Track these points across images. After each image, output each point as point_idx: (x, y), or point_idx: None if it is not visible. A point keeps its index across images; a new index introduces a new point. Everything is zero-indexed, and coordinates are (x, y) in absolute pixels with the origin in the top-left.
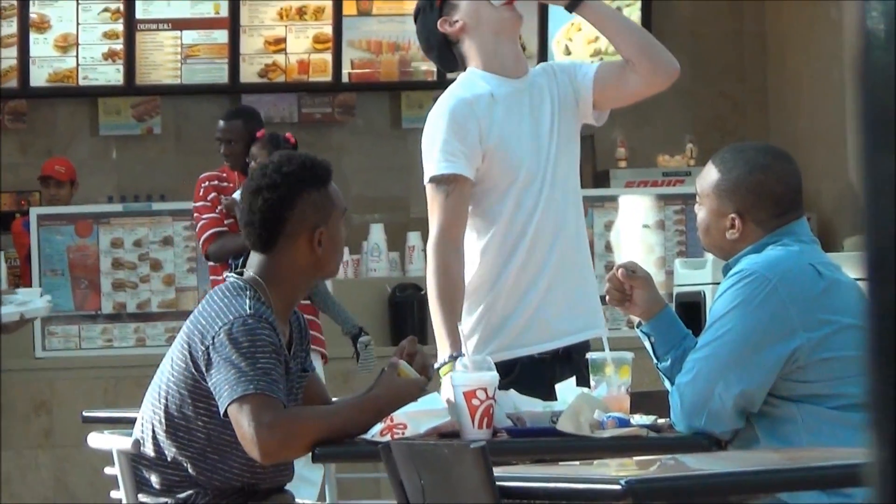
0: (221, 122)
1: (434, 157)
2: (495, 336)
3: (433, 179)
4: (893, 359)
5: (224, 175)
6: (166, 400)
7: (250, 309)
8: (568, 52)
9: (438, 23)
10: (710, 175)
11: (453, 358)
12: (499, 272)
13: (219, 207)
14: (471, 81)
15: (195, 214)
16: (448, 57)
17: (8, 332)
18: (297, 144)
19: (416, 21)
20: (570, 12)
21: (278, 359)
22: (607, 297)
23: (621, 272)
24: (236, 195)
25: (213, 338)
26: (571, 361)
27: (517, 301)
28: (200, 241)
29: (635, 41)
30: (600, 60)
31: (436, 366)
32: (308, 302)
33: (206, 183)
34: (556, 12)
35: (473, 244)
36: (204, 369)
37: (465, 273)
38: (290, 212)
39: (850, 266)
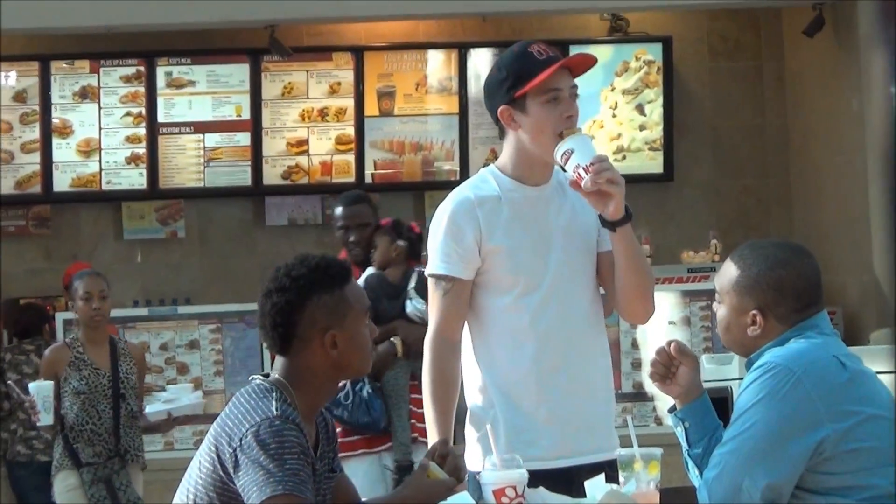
0: (342, 209)
1: (432, 256)
2: (497, 446)
3: (431, 276)
4: None
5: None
6: (194, 502)
7: (277, 410)
8: None
9: (501, 110)
10: (729, 272)
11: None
12: (504, 379)
13: None
14: (483, 181)
15: None
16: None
17: (158, 432)
18: (421, 234)
19: (487, 78)
20: (613, 229)
21: (306, 460)
22: (650, 372)
23: (674, 346)
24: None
25: (241, 440)
26: (572, 484)
27: (524, 413)
28: None
29: (640, 283)
30: (623, 157)
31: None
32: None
33: None
34: (579, 110)
35: (477, 342)
36: (232, 471)
37: (471, 371)
38: (299, 315)
39: (875, 359)
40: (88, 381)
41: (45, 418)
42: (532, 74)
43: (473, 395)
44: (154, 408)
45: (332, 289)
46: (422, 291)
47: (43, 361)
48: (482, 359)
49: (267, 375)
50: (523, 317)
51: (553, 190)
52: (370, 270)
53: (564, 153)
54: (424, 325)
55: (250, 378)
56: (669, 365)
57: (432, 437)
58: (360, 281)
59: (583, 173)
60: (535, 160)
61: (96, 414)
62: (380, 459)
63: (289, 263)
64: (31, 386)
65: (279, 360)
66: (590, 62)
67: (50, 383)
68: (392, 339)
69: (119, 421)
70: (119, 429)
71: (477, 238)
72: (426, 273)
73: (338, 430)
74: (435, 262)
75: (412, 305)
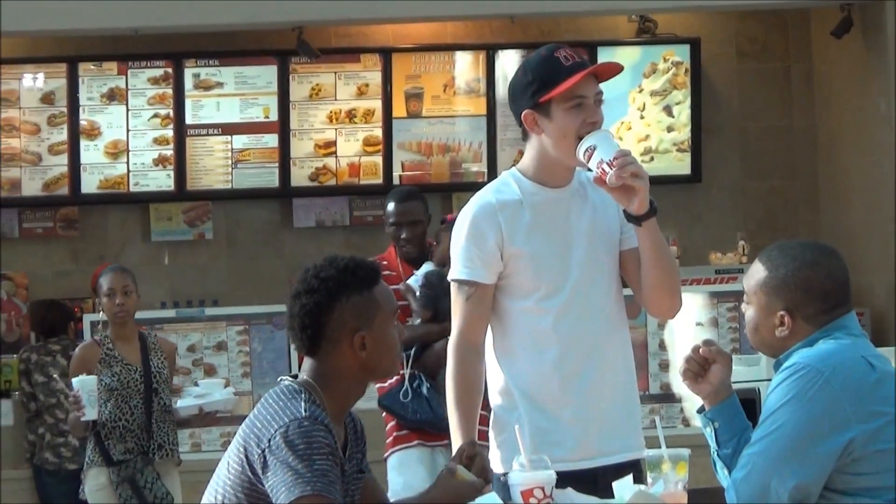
0: (394, 205)
1: (455, 261)
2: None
3: (454, 281)
4: None
5: (386, 263)
6: (223, 502)
7: (306, 412)
8: None
9: (525, 114)
10: (757, 273)
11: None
12: (527, 381)
13: None
14: (505, 184)
15: None
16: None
17: (189, 427)
18: None
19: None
20: (639, 223)
21: (334, 460)
22: (683, 370)
23: (708, 347)
24: (412, 280)
25: (270, 440)
26: (596, 485)
27: (547, 415)
28: None
29: (666, 279)
30: (651, 159)
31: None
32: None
33: None
34: (607, 110)
35: (500, 344)
36: (260, 472)
37: (494, 374)
38: (328, 317)
39: None
40: (120, 377)
41: (91, 413)
42: (558, 80)
43: (497, 398)
44: (186, 402)
45: (361, 290)
46: None
47: (73, 360)
48: (504, 362)
49: (295, 377)
50: (546, 320)
51: (574, 192)
52: (428, 267)
53: (587, 150)
54: None
55: (279, 379)
56: (704, 363)
57: (456, 441)
58: (419, 277)
59: (607, 168)
60: (558, 164)
61: (129, 410)
62: (432, 454)
63: (317, 265)
64: (75, 381)
65: (308, 362)
66: (616, 70)
67: (94, 378)
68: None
69: (151, 416)
70: (151, 424)
71: (499, 242)
72: (448, 278)
73: (391, 423)
74: (457, 266)
75: None
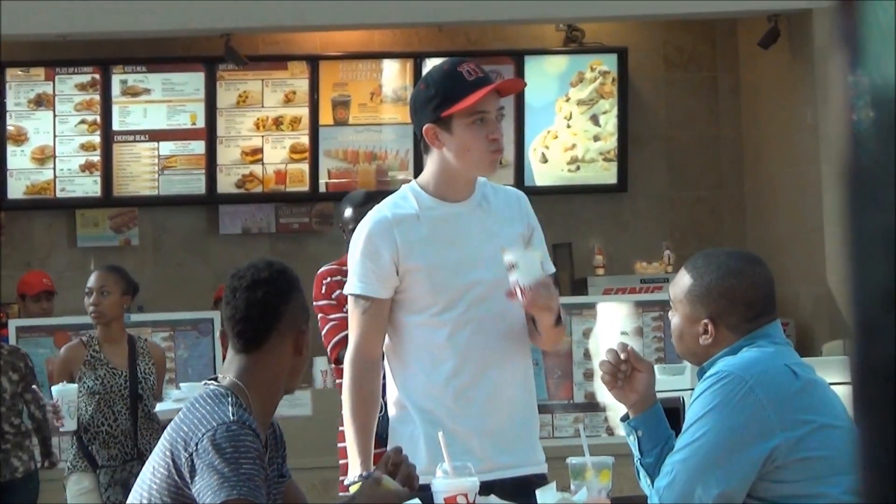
0: (352, 210)
1: (351, 275)
2: (415, 458)
3: (351, 295)
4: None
5: (345, 269)
6: None
7: (234, 416)
8: (545, 160)
9: (426, 128)
10: (682, 281)
11: (363, 477)
12: (422, 395)
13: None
14: (403, 198)
15: (319, 315)
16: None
17: None
18: None
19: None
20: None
21: (261, 465)
22: (601, 374)
23: (630, 352)
24: None
25: (197, 444)
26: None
27: (442, 428)
28: (329, 346)
29: (549, 347)
30: (577, 168)
31: (346, 483)
32: None
33: (328, 279)
34: (533, 119)
35: (396, 358)
36: (188, 476)
37: (390, 387)
38: (285, 307)
39: (827, 370)
40: (104, 381)
41: (70, 423)
42: (460, 96)
43: (392, 409)
44: (166, 406)
45: (301, 292)
46: None
47: (58, 360)
48: (399, 375)
49: (216, 379)
50: (441, 333)
51: (475, 205)
52: None
53: (508, 263)
54: None
55: (204, 383)
56: (619, 364)
57: (353, 456)
58: None
59: (520, 293)
60: (458, 178)
61: (112, 415)
62: None
63: (259, 262)
64: (55, 389)
65: (237, 360)
66: (519, 87)
67: (74, 387)
68: None
69: (137, 422)
70: (137, 431)
71: (394, 258)
72: (345, 291)
73: None
74: (353, 281)
75: None
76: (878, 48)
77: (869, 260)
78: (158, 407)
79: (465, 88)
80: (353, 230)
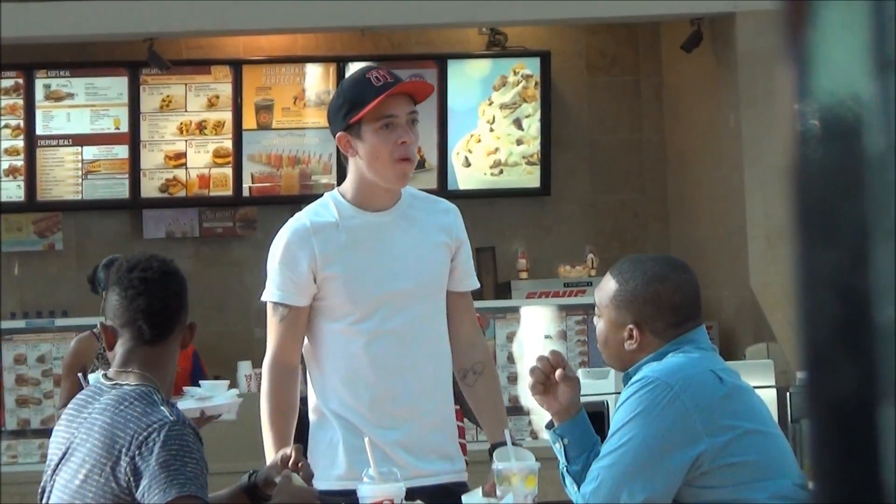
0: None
1: (269, 282)
2: (334, 463)
3: (269, 302)
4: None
5: None
6: None
7: (171, 415)
8: (468, 164)
9: (339, 136)
10: (607, 286)
11: (250, 474)
12: (340, 402)
13: None
14: (323, 206)
15: None
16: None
17: None
18: None
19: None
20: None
21: (204, 464)
22: (530, 384)
23: (559, 373)
24: None
25: (140, 446)
26: None
27: (360, 435)
28: None
29: None
30: (501, 172)
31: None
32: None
33: None
34: (456, 123)
35: (314, 365)
36: (132, 480)
37: (310, 393)
38: (186, 301)
39: (751, 374)
40: None
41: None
42: (366, 101)
43: (312, 415)
44: (187, 404)
45: None
46: None
47: (69, 352)
48: (318, 382)
49: (107, 376)
50: (358, 342)
51: (398, 215)
52: None
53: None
54: None
55: (102, 375)
56: (550, 372)
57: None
58: None
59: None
60: (376, 186)
61: None
62: None
63: (153, 255)
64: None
65: (141, 352)
66: (427, 90)
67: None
68: None
69: None
70: None
71: (312, 266)
72: (262, 298)
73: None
74: (271, 289)
75: None
76: (828, 53)
77: (818, 295)
78: (180, 404)
79: (371, 93)
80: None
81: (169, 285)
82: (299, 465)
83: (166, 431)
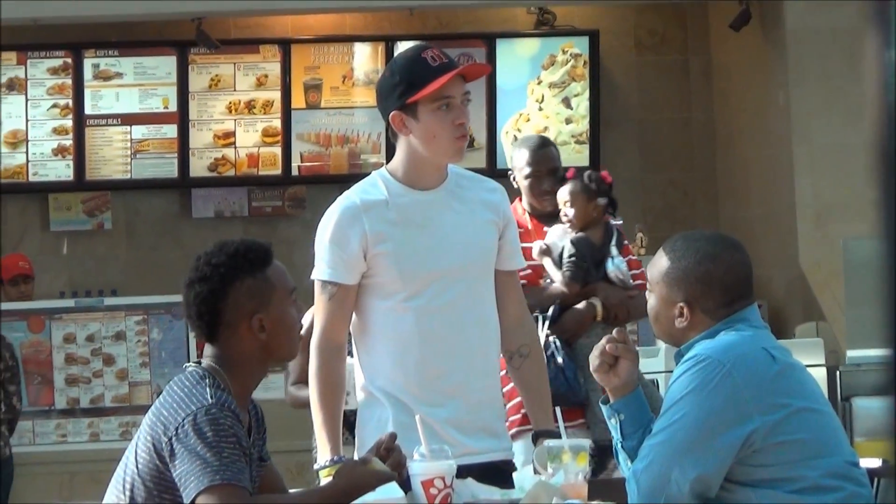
0: (530, 154)
1: (318, 261)
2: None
3: (318, 280)
4: None
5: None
6: (132, 492)
7: (212, 398)
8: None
9: (392, 115)
10: (660, 263)
11: (334, 462)
12: (389, 380)
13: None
14: (372, 184)
15: None
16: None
17: None
18: (612, 184)
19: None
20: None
21: (242, 448)
22: (593, 364)
23: (615, 343)
24: (549, 239)
25: (177, 428)
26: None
27: (409, 413)
28: None
29: None
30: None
31: (315, 468)
32: None
33: None
34: (505, 103)
35: (362, 343)
36: (168, 460)
37: (358, 372)
38: (223, 303)
39: (800, 353)
40: None
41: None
42: (425, 81)
43: (360, 394)
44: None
45: (254, 272)
46: (621, 248)
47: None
48: (366, 361)
49: (199, 363)
50: (408, 319)
51: (447, 194)
52: (562, 230)
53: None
54: (626, 287)
55: (184, 366)
56: (613, 357)
57: (322, 442)
58: (559, 243)
59: None
60: (427, 165)
61: None
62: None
63: (208, 251)
64: None
65: (209, 348)
66: (483, 71)
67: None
68: (592, 299)
69: None
70: None
71: (363, 244)
72: (312, 277)
73: (516, 399)
74: (321, 267)
75: (613, 265)
76: None
77: None
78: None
79: (429, 74)
80: (531, 175)
81: (190, 292)
82: (391, 450)
83: (202, 415)
